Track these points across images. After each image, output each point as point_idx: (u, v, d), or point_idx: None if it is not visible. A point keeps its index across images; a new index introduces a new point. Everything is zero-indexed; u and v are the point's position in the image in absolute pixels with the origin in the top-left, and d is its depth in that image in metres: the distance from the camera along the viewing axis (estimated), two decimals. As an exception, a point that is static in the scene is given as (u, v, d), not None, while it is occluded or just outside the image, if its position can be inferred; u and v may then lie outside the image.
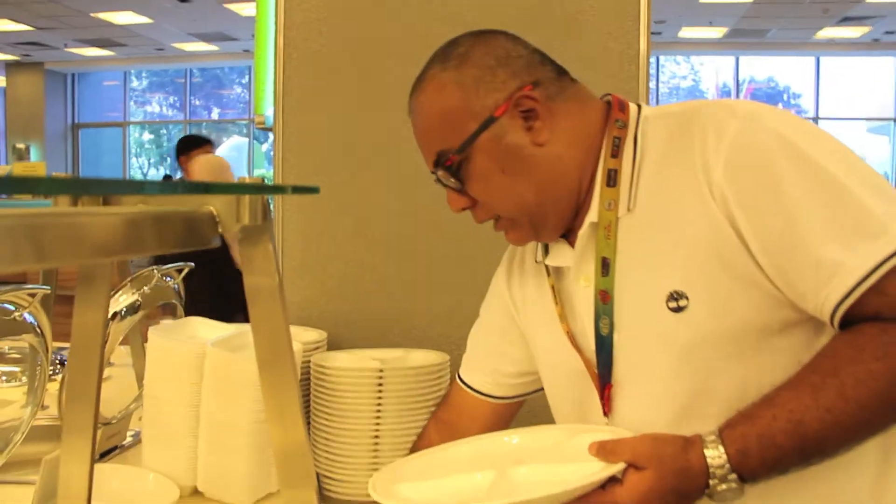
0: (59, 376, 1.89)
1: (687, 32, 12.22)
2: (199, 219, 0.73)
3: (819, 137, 0.92)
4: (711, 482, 0.86)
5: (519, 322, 1.19)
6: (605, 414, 1.03)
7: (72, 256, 0.58)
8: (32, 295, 1.27)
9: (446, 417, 1.27)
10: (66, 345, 2.21)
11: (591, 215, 1.01)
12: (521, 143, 1.01)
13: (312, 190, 0.80)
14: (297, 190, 0.86)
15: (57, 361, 2.30)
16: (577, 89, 1.07)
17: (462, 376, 1.27)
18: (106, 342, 0.94)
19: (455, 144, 1.01)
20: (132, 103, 16.13)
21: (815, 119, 13.92)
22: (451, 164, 1.02)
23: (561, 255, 1.08)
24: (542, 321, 1.12)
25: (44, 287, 1.24)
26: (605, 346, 1.01)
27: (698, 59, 14.49)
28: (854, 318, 0.87)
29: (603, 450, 0.91)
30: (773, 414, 0.86)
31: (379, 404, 1.58)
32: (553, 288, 1.10)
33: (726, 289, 0.91)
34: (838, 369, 0.85)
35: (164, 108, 16.61)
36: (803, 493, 0.93)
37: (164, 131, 16.40)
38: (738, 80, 14.17)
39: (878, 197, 0.87)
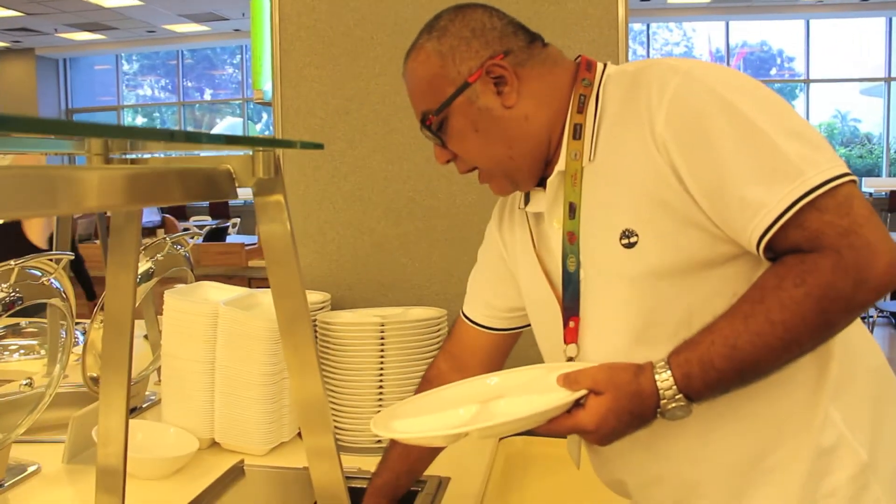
0: (80, 346, 1.99)
1: (676, -2, 12.22)
2: (219, 175, 0.83)
3: (749, 92, 1.01)
4: (662, 402, 0.97)
5: (508, 263, 1.31)
6: (566, 342, 1.14)
7: (113, 203, 0.68)
8: (57, 261, 1.36)
9: (452, 349, 1.41)
10: (85, 321, 2.30)
11: (560, 165, 1.13)
12: (491, 106, 1.12)
13: (317, 146, 0.89)
14: (305, 145, 0.95)
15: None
16: (547, 54, 1.18)
17: (464, 311, 1.40)
18: (134, 304, 1.03)
19: (435, 106, 1.14)
20: (125, 87, 16.10)
21: (807, 81, 13.96)
22: (432, 124, 1.15)
23: (537, 201, 1.20)
24: (525, 262, 1.24)
25: (67, 253, 1.33)
26: (571, 281, 1.13)
27: (691, 25, 14.47)
28: (780, 249, 0.97)
29: (567, 380, 1.02)
30: (711, 339, 0.96)
31: (382, 357, 1.68)
32: (531, 232, 1.22)
33: (671, 227, 1.02)
34: (764, 297, 0.95)
35: (157, 91, 16.57)
36: (745, 408, 1.05)
37: (158, 114, 16.39)
38: (728, 45, 14.18)
39: (797, 143, 0.97)
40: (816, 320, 0.93)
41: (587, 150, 1.11)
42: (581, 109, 1.12)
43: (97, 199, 0.64)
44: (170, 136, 0.68)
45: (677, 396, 0.97)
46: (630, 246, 1.05)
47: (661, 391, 0.97)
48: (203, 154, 0.88)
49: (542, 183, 1.17)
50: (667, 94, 1.01)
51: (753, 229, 0.96)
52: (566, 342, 1.15)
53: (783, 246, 0.96)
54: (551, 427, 1.00)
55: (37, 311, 2.21)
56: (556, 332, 1.16)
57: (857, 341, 1.09)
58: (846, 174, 0.95)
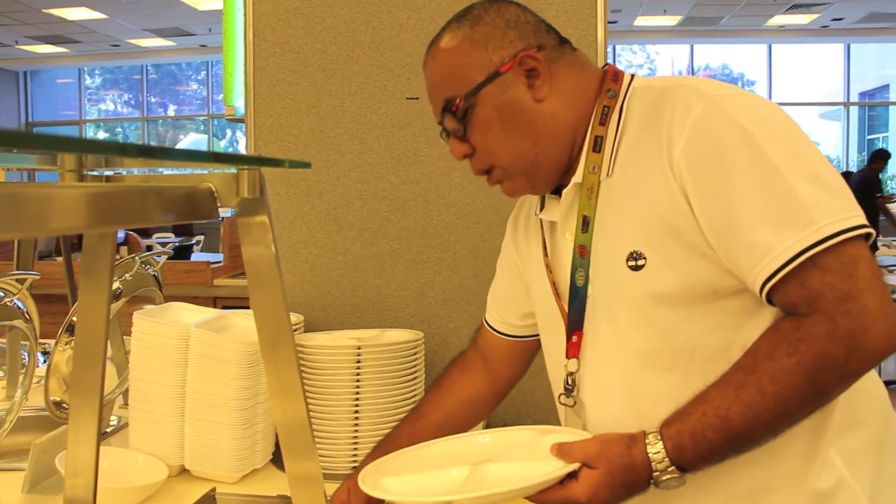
0: (45, 366, 1.92)
1: (642, 21, 12.39)
2: (200, 194, 0.79)
3: (773, 127, 0.99)
4: (654, 474, 0.96)
5: (522, 271, 1.30)
6: (568, 357, 1.14)
7: (90, 224, 0.64)
8: (21, 281, 1.30)
9: (480, 342, 1.41)
10: (47, 341, 2.22)
11: (577, 176, 1.11)
12: (521, 98, 1.10)
13: (304, 164, 0.86)
14: (293, 164, 0.92)
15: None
16: (576, 57, 1.16)
17: (485, 316, 1.41)
18: (107, 331, 0.98)
19: (462, 92, 1.10)
20: (87, 101, 15.89)
21: (768, 105, 14.21)
22: (457, 110, 1.11)
23: (552, 210, 1.18)
24: (537, 271, 1.23)
25: (33, 273, 1.28)
26: (578, 295, 1.11)
27: (654, 47, 14.71)
28: (779, 303, 0.96)
29: (560, 451, 1.01)
30: (703, 410, 0.95)
31: (358, 381, 1.64)
32: (545, 240, 1.20)
33: (679, 254, 1.01)
34: (756, 366, 0.94)
35: (120, 106, 16.38)
36: (739, 477, 1.03)
37: (120, 129, 16.18)
38: (692, 68, 14.42)
39: (815, 187, 0.94)
40: (809, 390, 0.93)
41: (606, 165, 1.09)
42: (603, 121, 1.10)
43: (66, 219, 0.60)
44: (150, 153, 0.64)
45: (670, 469, 0.96)
46: (637, 269, 1.04)
47: (653, 463, 0.96)
48: (183, 172, 0.84)
49: (557, 191, 1.15)
50: (689, 119, 0.99)
51: (759, 273, 0.95)
52: (567, 356, 1.14)
53: (782, 300, 0.95)
54: (543, 497, 0.99)
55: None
56: (560, 345, 1.15)
57: (865, 385, 1.06)
58: (861, 226, 0.94)
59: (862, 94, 14.87)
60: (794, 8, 11.49)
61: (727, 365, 0.98)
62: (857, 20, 12.27)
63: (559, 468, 0.98)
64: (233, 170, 0.81)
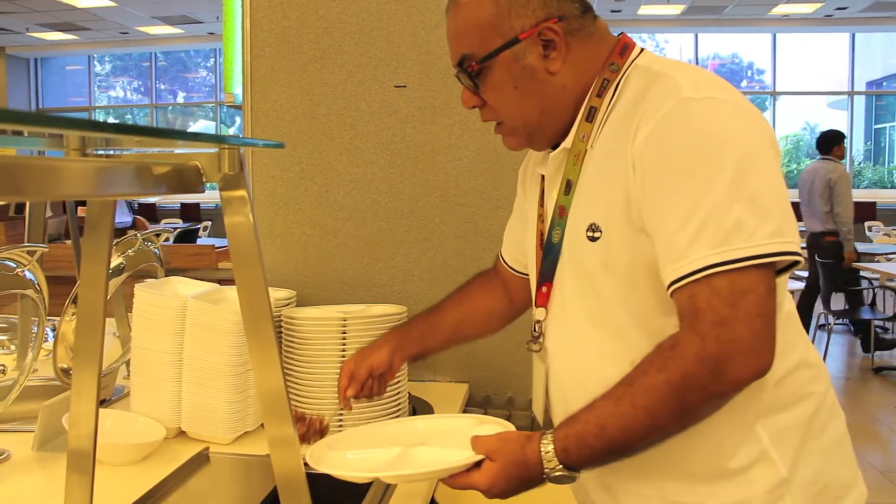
0: (51, 342, 2.03)
1: (646, 10, 12.41)
2: (187, 170, 0.91)
3: (729, 142, 1.01)
4: (546, 470, 1.06)
5: (524, 215, 1.38)
6: (536, 305, 1.24)
7: (94, 191, 0.76)
8: (31, 253, 1.42)
9: (492, 274, 1.53)
10: (55, 318, 2.35)
11: (567, 142, 1.18)
12: (535, 67, 1.14)
13: (278, 145, 0.97)
14: (267, 144, 1.03)
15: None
16: (596, 28, 1.18)
17: (501, 251, 1.51)
18: (107, 291, 1.10)
19: (479, 53, 1.14)
20: (96, 88, 16.01)
21: (774, 94, 14.24)
22: (472, 70, 1.15)
23: (546, 166, 1.25)
24: (531, 219, 1.31)
25: (41, 245, 1.39)
26: (552, 251, 1.20)
27: (662, 36, 14.72)
28: (676, 303, 1.02)
29: (473, 443, 1.13)
30: (586, 419, 1.04)
31: (343, 351, 1.76)
32: (542, 191, 1.27)
33: (629, 231, 1.08)
34: (634, 381, 1.01)
35: (129, 93, 16.49)
36: (666, 456, 1.09)
37: (130, 116, 16.31)
38: (697, 57, 14.43)
39: (746, 209, 0.97)
40: (675, 406, 0.99)
41: (592, 136, 1.15)
42: (601, 93, 1.15)
43: (72, 187, 0.71)
44: (142, 132, 0.75)
45: (558, 467, 1.05)
46: (593, 240, 1.12)
47: (543, 461, 1.06)
48: (175, 152, 0.95)
49: (556, 146, 1.21)
50: (657, 115, 1.04)
51: (667, 275, 1.02)
52: (536, 305, 1.24)
53: (677, 305, 1.02)
54: (451, 482, 1.12)
55: (2, 306, 2.25)
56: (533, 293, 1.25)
57: (799, 371, 1.14)
58: (778, 253, 0.98)
59: (869, 84, 14.81)
60: (798, -3, 11.50)
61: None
62: (861, 9, 12.24)
63: (465, 458, 1.11)
64: (216, 149, 0.92)
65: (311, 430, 1.37)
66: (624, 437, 1.02)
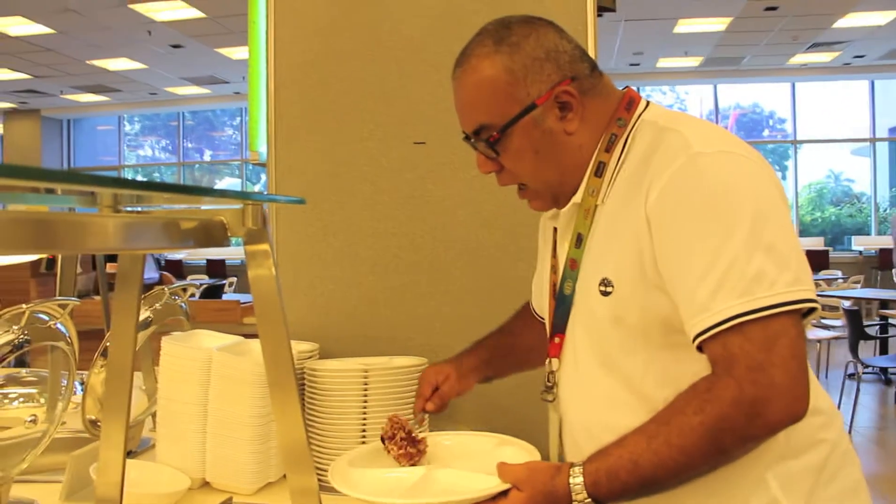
0: (79, 396, 2.07)
1: (664, 63, 12.57)
2: (213, 225, 0.95)
3: (742, 194, 1.03)
4: (574, 502, 1.05)
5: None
6: (549, 356, 1.26)
7: (123, 245, 0.80)
8: (63, 307, 1.47)
9: (522, 321, 1.57)
10: (83, 371, 2.39)
11: (577, 197, 1.20)
12: (554, 130, 1.16)
13: (299, 201, 1.02)
14: (289, 200, 1.07)
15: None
16: (604, 84, 1.20)
17: (531, 299, 1.56)
18: (136, 341, 1.14)
19: (497, 122, 1.15)
20: (126, 147, 16.40)
21: (795, 142, 14.27)
22: (494, 140, 1.16)
23: (558, 219, 1.28)
24: (545, 269, 1.34)
25: (73, 299, 1.44)
26: (564, 302, 1.23)
27: (683, 88, 14.87)
28: (707, 352, 1.04)
29: (499, 470, 1.13)
30: (619, 454, 1.04)
31: (365, 403, 1.78)
32: (555, 243, 1.30)
33: (641, 287, 1.10)
34: (669, 420, 1.03)
35: (157, 152, 16.87)
36: (681, 499, 1.10)
37: (158, 174, 16.64)
38: (717, 108, 14.54)
39: (765, 258, 1.00)
40: (710, 448, 1.01)
41: (603, 192, 1.17)
42: (609, 149, 1.17)
43: (102, 241, 0.76)
44: (169, 189, 0.80)
45: (587, 500, 1.05)
46: (606, 294, 1.14)
47: (572, 493, 1.06)
48: (201, 208, 1.00)
49: None
50: (667, 172, 1.06)
51: (692, 327, 1.04)
52: (549, 355, 1.27)
53: (708, 354, 1.03)
54: None
55: (33, 359, 2.30)
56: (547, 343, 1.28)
57: (812, 415, 1.12)
58: (799, 301, 1.00)
59: (891, 130, 14.80)
60: (815, 46, 11.60)
61: (675, 392, 1.06)
62: (878, 56, 12.32)
63: (492, 486, 1.12)
64: (240, 206, 0.97)
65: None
66: (656, 473, 1.02)
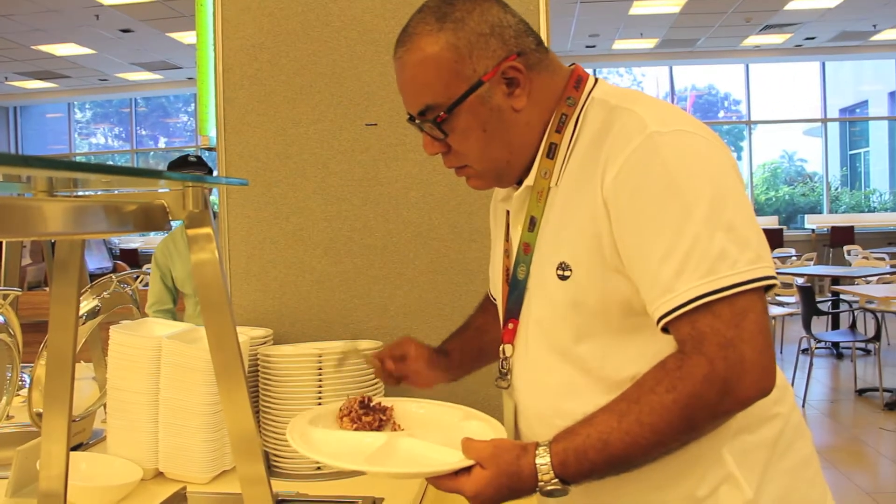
0: (26, 389, 2.03)
1: (620, 44, 12.64)
2: (154, 208, 0.93)
3: (701, 174, 1.03)
4: (540, 483, 1.04)
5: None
6: (503, 341, 1.24)
7: (64, 230, 0.78)
8: (4, 297, 1.43)
9: (486, 316, 1.51)
10: (30, 364, 2.34)
11: (529, 180, 1.18)
12: (502, 107, 1.12)
13: (242, 182, 1.00)
14: (230, 181, 1.05)
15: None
16: (549, 60, 1.17)
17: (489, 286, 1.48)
18: (77, 331, 1.11)
19: (443, 101, 1.11)
20: (77, 135, 16.06)
21: (749, 123, 14.49)
22: (440, 120, 1.12)
23: (510, 202, 1.25)
24: (497, 253, 1.32)
25: (15, 289, 1.40)
26: (518, 287, 1.21)
27: (640, 69, 14.99)
28: (674, 333, 1.03)
29: (464, 446, 1.11)
30: (587, 433, 1.03)
31: (319, 387, 1.77)
32: (508, 226, 1.28)
33: (600, 270, 1.09)
34: (640, 398, 1.02)
35: (110, 139, 16.55)
36: (633, 478, 1.09)
37: (111, 162, 16.34)
38: (673, 89, 14.69)
39: (726, 237, 0.99)
40: (682, 425, 1.00)
41: (556, 173, 1.15)
42: (560, 129, 1.15)
43: (41, 226, 0.73)
44: (106, 170, 0.78)
45: (553, 480, 1.04)
46: (563, 278, 1.12)
47: (538, 473, 1.05)
48: (140, 191, 0.98)
49: (520, 181, 1.21)
50: (625, 152, 1.05)
51: (656, 309, 1.03)
52: (503, 341, 1.25)
53: (674, 335, 1.03)
54: (437, 483, 1.10)
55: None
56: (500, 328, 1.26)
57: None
58: (761, 278, 1.00)
59: (842, 111, 15.11)
60: (767, 28, 11.77)
61: (635, 374, 1.06)
62: (829, 38, 12.54)
63: (455, 462, 1.10)
64: (181, 188, 0.95)
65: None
66: (627, 452, 1.02)
